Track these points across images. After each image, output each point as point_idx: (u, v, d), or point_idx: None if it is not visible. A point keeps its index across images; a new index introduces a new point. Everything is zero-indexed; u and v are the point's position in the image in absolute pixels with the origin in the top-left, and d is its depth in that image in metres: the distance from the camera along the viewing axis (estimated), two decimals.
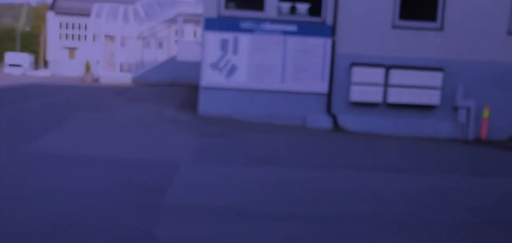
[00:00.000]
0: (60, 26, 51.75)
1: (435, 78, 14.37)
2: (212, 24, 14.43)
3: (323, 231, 5.57)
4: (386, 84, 14.49)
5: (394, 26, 14.51)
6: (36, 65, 74.13)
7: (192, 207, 6.17)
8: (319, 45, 14.37)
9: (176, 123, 13.31)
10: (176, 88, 22.20)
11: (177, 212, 5.97)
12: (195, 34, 35.01)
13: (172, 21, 31.02)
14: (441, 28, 14.52)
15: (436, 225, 6.11)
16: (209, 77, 14.54)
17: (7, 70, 57.81)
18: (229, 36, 14.37)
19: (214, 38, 14.41)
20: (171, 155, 9.45)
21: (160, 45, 34.69)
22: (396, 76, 14.36)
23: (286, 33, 14.36)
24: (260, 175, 8.32)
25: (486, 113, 14.49)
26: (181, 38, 28.63)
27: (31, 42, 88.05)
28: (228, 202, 6.50)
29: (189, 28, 34.67)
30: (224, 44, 14.40)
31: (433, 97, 14.43)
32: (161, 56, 32.74)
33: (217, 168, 8.65)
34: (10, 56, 63.90)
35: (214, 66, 14.48)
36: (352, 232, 5.63)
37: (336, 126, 14.56)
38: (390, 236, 5.61)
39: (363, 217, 6.25)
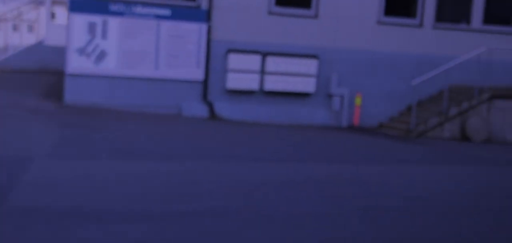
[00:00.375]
0: None
1: (310, 65, 14.38)
2: (78, 5, 13.34)
3: (181, 230, 5.08)
4: (262, 72, 14.25)
5: (271, 13, 14.30)
6: None
7: (36, 208, 5.40)
8: (194, 30, 13.81)
9: (37, 113, 12.18)
10: (44, 76, 20.58)
11: (18, 215, 5.19)
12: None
13: (41, 2, 28.88)
14: (316, 16, 14.54)
15: (306, 215, 5.84)
16: (75, 64, 13.44)
17: None
18: (97, 19, 13.36)
19: (81, 21, 13.33)
20: (25, 149, 8.49)
21: (30, 28, 32.21)
22: (272, 63, 14.18)
23: (159, 17, 13.62)
24: (124, 169, 7.66)
25: (358, 100, 14.76)
26: (49, 21, 26.67)
27: None
28: (80, 202, 5.79)
29: (62, 11, 32.48)
30: (92, 27, 13.37)
31: (308, 85, 14.43)
32: (29, 40, 30.39)
33: (76, 163, 7.85)
34: None
35: (81, 51, 13.40)
36: (215, 228, 5.19)
37: (213, 114, 14.12)
38: (254, 229, 5.24)
39: (230, 210, 5.83)
